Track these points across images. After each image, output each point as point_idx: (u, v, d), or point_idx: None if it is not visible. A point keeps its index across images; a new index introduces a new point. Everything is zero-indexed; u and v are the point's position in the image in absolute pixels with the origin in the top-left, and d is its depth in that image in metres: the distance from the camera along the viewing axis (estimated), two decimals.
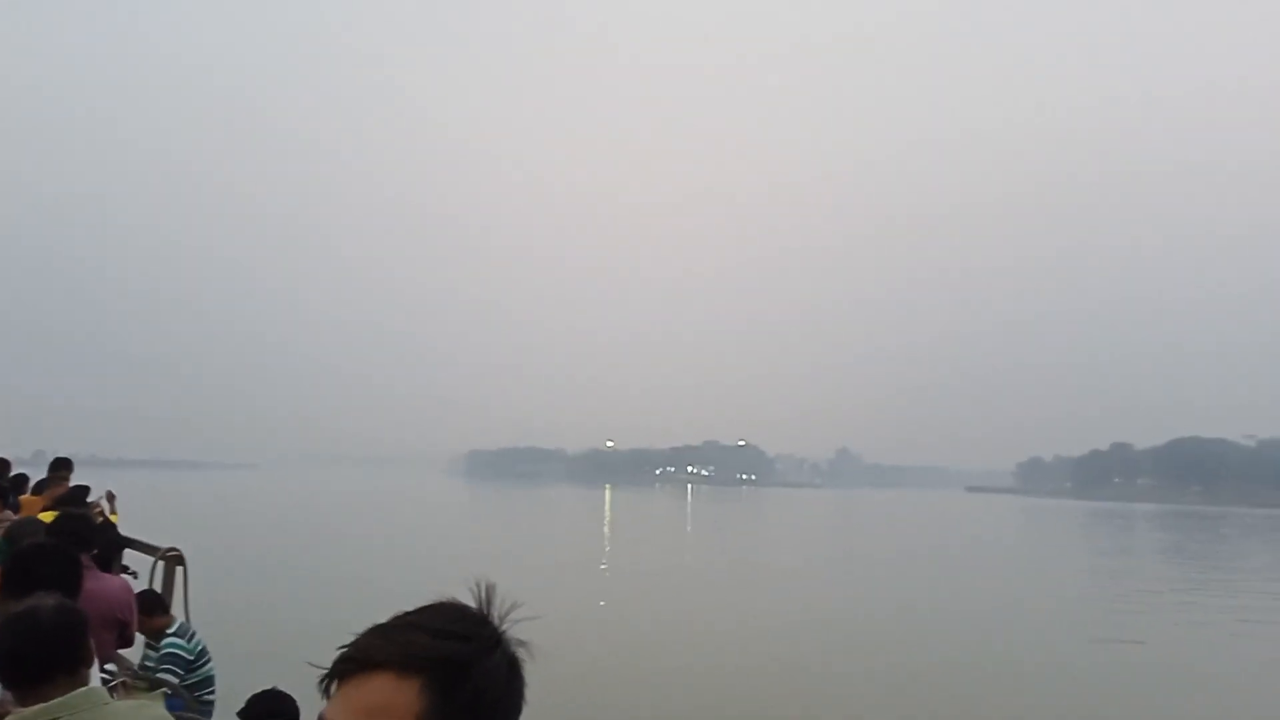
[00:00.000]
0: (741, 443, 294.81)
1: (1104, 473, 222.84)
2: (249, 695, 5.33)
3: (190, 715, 6.95)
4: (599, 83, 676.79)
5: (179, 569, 7.40)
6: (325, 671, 1.24)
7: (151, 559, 7.37)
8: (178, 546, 7.52)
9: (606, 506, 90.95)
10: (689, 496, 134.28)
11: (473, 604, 1.30)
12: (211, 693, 6.91)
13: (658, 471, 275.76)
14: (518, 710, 1.30)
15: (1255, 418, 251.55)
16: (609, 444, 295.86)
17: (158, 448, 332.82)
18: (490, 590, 1.32)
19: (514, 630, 1.30)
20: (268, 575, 25.67)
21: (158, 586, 7.19)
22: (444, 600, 1.31)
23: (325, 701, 1.23)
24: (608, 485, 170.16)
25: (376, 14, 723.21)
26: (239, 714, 5.25)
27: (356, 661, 1.22)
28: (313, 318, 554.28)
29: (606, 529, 59.02)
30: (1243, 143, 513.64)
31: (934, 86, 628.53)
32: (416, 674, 1.20)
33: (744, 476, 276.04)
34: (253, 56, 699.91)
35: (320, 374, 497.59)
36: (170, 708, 6.55)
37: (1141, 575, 38.56)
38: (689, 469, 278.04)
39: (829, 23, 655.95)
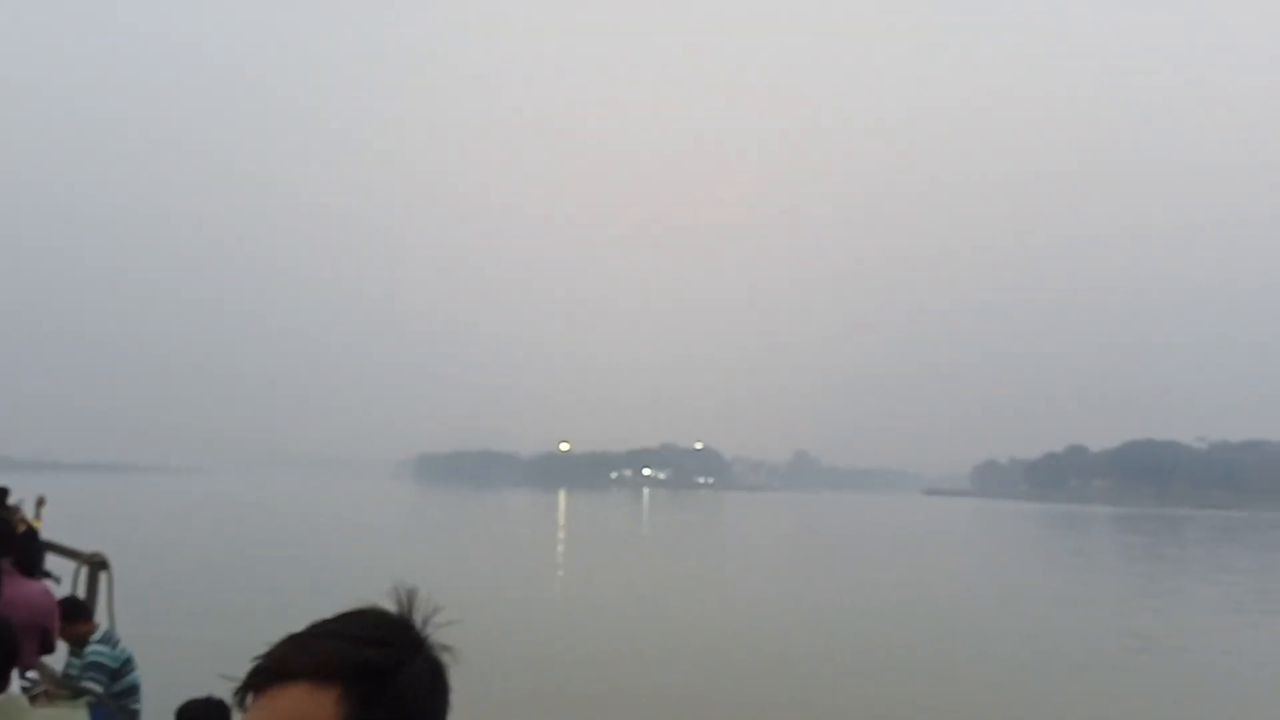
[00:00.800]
0: (699, 445, 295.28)
1: (1059, 475, 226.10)
2: (182, 702, 5.21)
3: None
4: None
5: (103, 575, 7.20)
6: (239, 684, 1.21)
7: (75, 565, 7.16)
8: (103, 552, 7.31)
9: (560, 511, 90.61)
10: (645, 500, 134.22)
11: (395, 610, 1.28)
12: (137, 702, 6.72)
13: (613, 475, 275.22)
14: (442, 715, 1.29)
15: (1206, 420, 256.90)
16: (564, 447, 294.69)
17: (101, 451, 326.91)
18: (413, 595, 1.30)
19: (439, 635, 1.28)
20: (200, 582, 25.11)
21: (81, 593, 6.98)
22: (364, 606, 1.28)
23: (241, 715, 1.21)
24: (562, 489, 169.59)
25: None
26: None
27: (270, 672, 1.19)
28: (263, 323, 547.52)
29: (560, 534, 58.78)
30: (1206, 141, 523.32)
31: (888, 76, 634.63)
32: (333, 683, 1.18)
33: (702, 479, 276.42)
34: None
35: (271, 378, 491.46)
36: (94, 717, 6.37)
37: (1100, 578, 39.11)
38: (645, 472, 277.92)
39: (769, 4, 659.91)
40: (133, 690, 6.69)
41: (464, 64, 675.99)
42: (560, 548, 46.91)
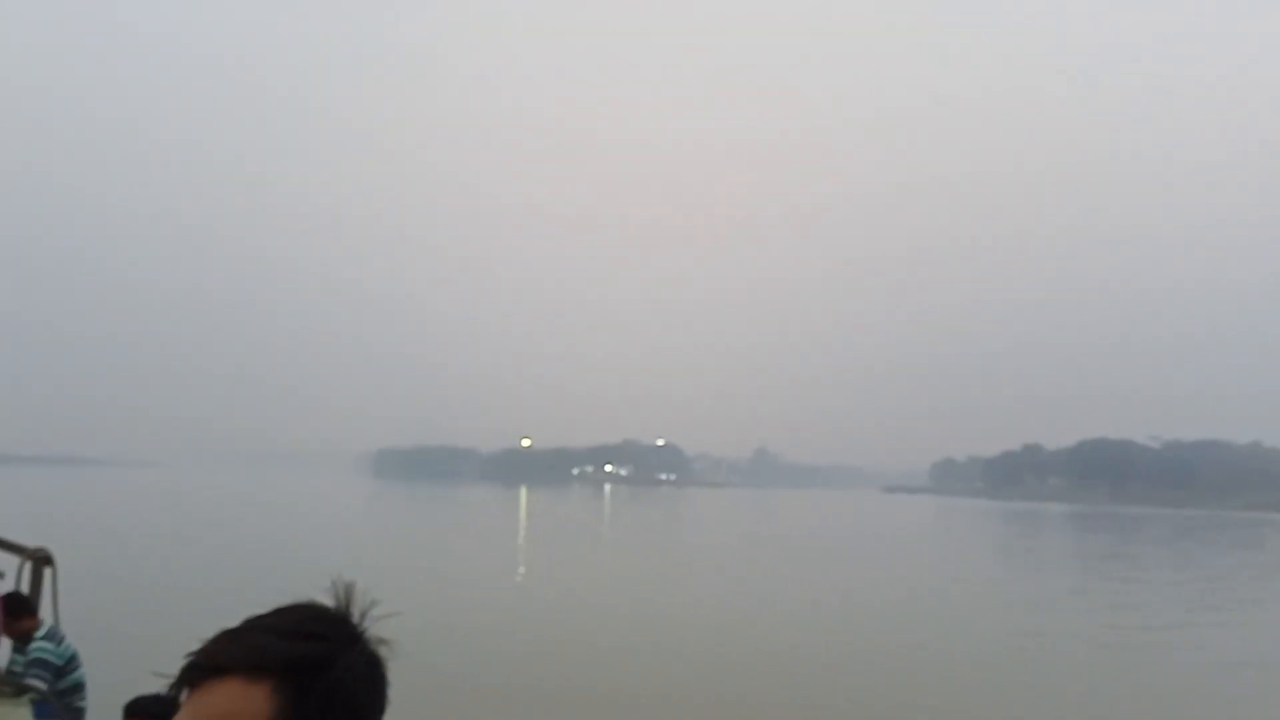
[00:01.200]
0: (660, 442, 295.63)
1: (1016, 473, 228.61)
2: (129, 699, 5.12)
3: None
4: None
5: (48, 570, 7.05)
6: (173, 680, 1.21)
7: (19, 559, 7.01)
8: (48, 547, 7.16)
9: (521, 507, 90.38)
10: (607, 496, 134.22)
11: (332, 603, 1.28)
12: (83, 699, 6.61)
13: (575, 471, 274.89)
14: (380, 709, 1.28)
15: (1160, 420, 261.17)
16: (525, 443, 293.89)
17: (50, 444, 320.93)
18: (350, 589, 1.30)
19: (377, 628, 1.28)
20: (148, 577, 24.72)
21: (25, 588, 6.84)
22: (300, 601, 1.28)
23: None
24: (523, 485, 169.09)
25: None
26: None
27: (203, 668, 1.19)
28: (219, 313, 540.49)
29: (521, 530, 58.65)
30: (1181, 141, 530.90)
31: (852, 77, 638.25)
32: (266, 677, 1.18)
33: (663, 476, 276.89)
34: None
35: (226, 370, 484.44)
36: (38, 714, 6.29)
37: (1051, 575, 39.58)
38: (607, 468, 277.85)
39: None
40: (78, 687, 6.58)
41: (464, 63, 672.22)
42: (521, 543, 46.80)
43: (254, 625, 1.23)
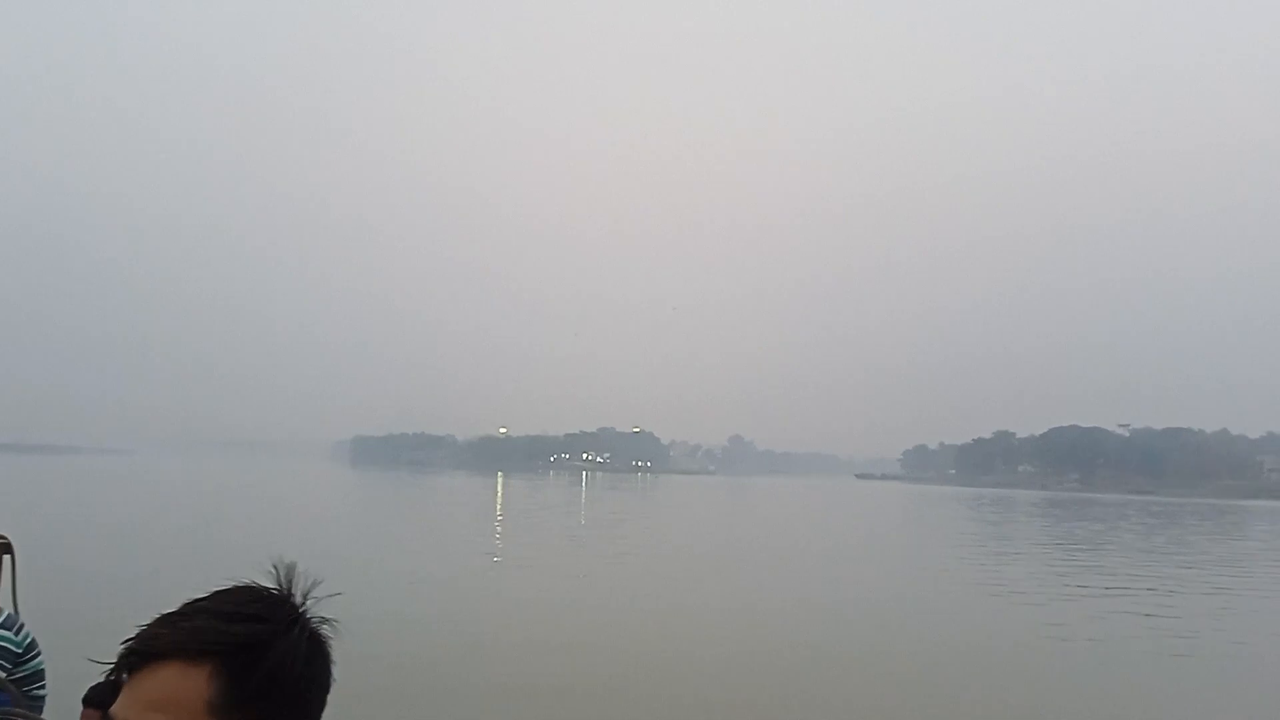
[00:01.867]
0: (636, 429, 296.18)
1: (987, 460, 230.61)
2: (90, 686, 5.08)
3: (18, 711, 6.61)
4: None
5: (7, 558, 6.99)
6: (110, 667, 1.21)
7: None
8: (6, 535, 7.10)
9: (498, 493, 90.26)
10: (584, 483, 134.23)
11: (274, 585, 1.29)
12: (42, 687, 6.53)
13: (552, 459, 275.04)
14: (323, 689, 1.28)
15: (1129, 408, 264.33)
16: (502, 430, 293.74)
17: (22, 432, 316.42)
18: (291, 570, 1.30)
19: (318, 608, 1.29)
20: (110, 564, 24.34)
21: None
22: (239, 584, 1.28)
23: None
24: (500, 472, 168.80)
25: None
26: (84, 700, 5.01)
27: (141, 653, 1.19)
28: (193, 301, 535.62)
29: (497, 516, 58.55)
30: (1148, 131, 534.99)
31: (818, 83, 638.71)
32: (205, 660, 1.17)
33: (639, 463, 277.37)
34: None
35: (201, 357, 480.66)
36: None
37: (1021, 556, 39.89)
38: (584, 456, 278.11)
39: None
40: (37, 676, 6.51)
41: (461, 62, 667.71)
42: (497, 529, 46.67)
43: (192, 609, 1.23)
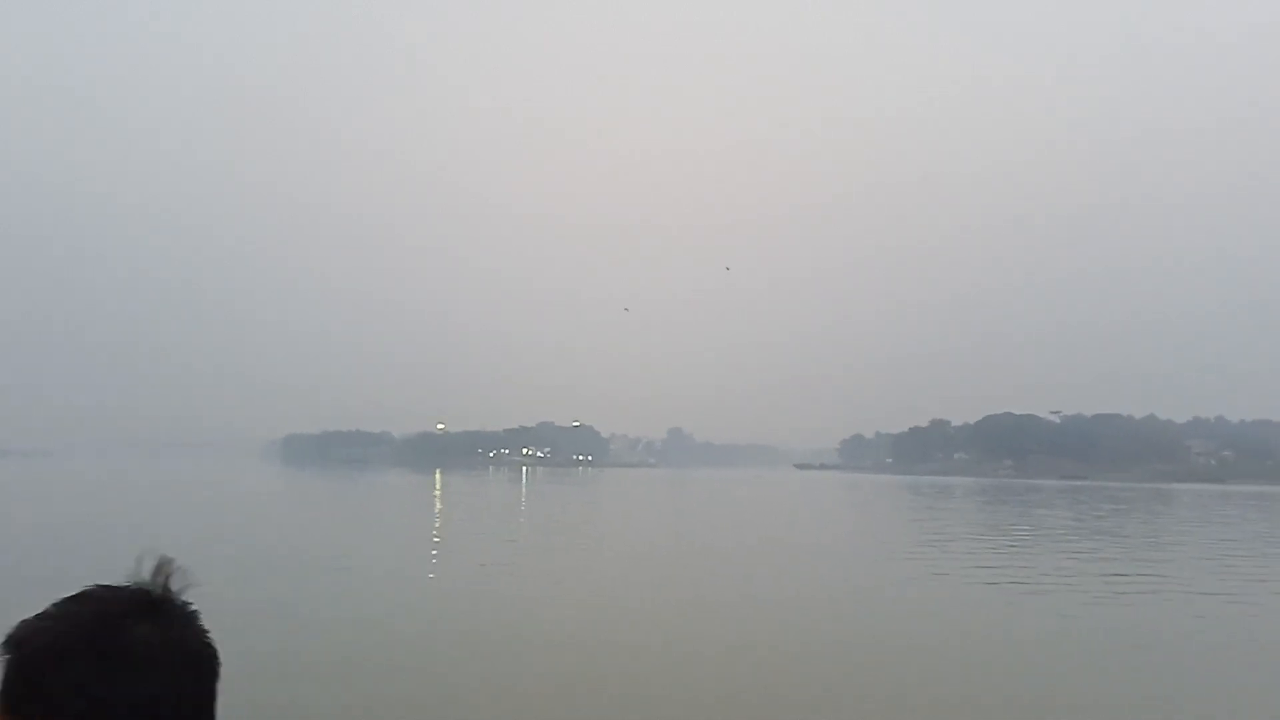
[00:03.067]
0: (576, 423, 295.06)
1: (923, 448, 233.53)
2: None
3: None
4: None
5: None
6: None
7: None
8: None
9: (436, 489, 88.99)
10: (524, 478, 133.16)
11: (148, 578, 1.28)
12: None
13: (491, 454, 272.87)
14: (125, 702, 1.22)
15: (1060, 396, 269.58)
16: (440, 426, 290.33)
17: None
18: (166, 564, 1.30)
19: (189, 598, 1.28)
20: (22, 569, 23.21)
21: None
22: (99, 584, 1.27)
23: None
24: (438, 469, 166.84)
25: None
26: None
27: None
28: (116, 293, 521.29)
29: (436, 514, 57.55)
30: (1095, 123, 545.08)
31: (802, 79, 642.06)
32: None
33: (580, 457, 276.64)
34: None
35: (124, 354, 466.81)
36: None
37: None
38: (524, 450, 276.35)
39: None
40: None
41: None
42: (435, 527, 45.75)
43: (44, 612, 1.23)
